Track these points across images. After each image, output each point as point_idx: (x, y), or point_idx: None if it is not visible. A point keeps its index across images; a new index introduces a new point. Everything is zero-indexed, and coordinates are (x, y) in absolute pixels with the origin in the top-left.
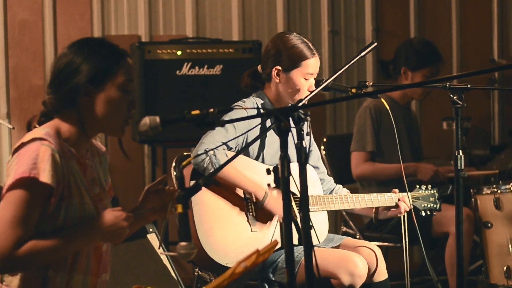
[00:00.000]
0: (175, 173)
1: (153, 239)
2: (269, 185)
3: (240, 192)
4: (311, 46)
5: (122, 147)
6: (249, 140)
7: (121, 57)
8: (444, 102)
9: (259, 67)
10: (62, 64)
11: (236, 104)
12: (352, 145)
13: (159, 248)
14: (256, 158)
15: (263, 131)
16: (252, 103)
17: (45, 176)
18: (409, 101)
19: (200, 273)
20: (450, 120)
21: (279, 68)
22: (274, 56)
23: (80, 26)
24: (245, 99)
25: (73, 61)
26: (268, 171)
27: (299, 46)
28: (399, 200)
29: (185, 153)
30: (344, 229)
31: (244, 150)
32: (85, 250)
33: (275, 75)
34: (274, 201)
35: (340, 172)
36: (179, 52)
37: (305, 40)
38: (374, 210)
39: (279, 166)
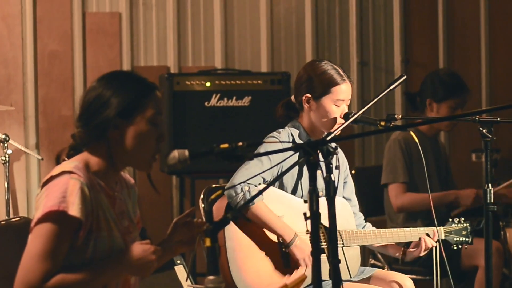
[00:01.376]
0: (203, 205)
1: (180, 271)
2: (305, 214)
3: None
4: (341, 72)
5: (151, 180)
6: (283, 171)
7: (150, 90)
8: (473, 134)
9: (292, 97)
10: (92, 97)
11: (271, 135)
12: (383, 177)
13: (186, 280)
14: (294, 189)
15: (292, 165)
16: (287, 133)
17: (74, 209)
18: (436, 133)
19: None
20: (479, 152)
21: (309, 95)
22: (304, 83)
23: (109, 57)
24: (280, 130)
25: (102, 94)
26: (306, 201)
27: (328, 72)
28: (427, 235)
29: (214, 185)
30: (372, 261)
31: (275, 182)
32: (113, 283)
33: (306, 102)
34: (300, 246)
35: (368, 204)
36: (208, 84)
37: (335, 66)
38: (401, 251)
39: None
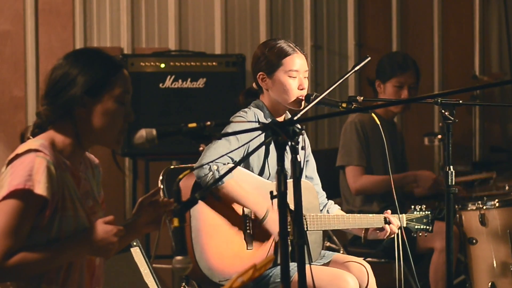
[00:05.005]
0: (162, 186)
1: (136, 253)
2: (271, 192)
3: (239, 209)
4: (292, 45)
5: (115, 158)
6: (250, 151)
7: (118, 69)
8: (426, 118)
9: (254, 83)
10: (58, 75)
11: (237, 114)
12: (338, 159)
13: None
14: (261, 169)
15: (260, 145)
16: (252, 113)
17: (40, 188)
18: (392, 116)
19: (186, 287)
20: (432, 136)
21: (263, 73)
22: (257, 62)
23: (62, 38)
24: (246, 110)
25: (69, 72)
26: (272, 194)
27: (278, 46)
28: (387, 223)
29: (172, 167)
30: (328, 244)
31: (243, 161)
32: (78, 263)
33: (261, 81)
34: (274, 221)
35: (322, 187)
36: (162, 65)
37: (287, 41)
38: (363, 230)
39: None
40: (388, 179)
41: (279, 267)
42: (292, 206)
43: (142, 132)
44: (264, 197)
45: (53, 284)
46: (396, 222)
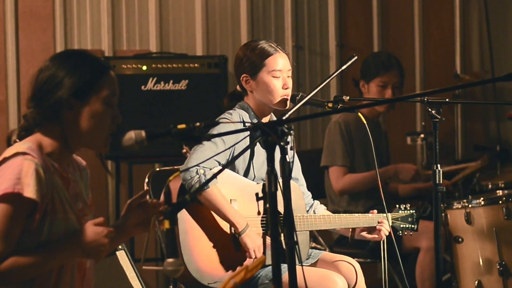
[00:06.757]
0: (148, 188)
1: (122, 256)
2: (257, 194)
3: None
4: (274, 45)
5: (103, 161)
6: (236, 153)
7: (104, 71)
8: (408, 118)
9: (238, 86)
10: (45, 77)
11: (222, 116)
12: (323, 159)
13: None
14: (246, 170)
15: (248, 146)
16: (238, 115)
17: (29, 191)
18: (377, 116)
19: None
20: (415, 135)
21: (246, 75)
22: (240, 64)
23: (43, 41)
24: (231, 111)
25: (55, 74)
26: (257, 196)
27: (259, 47)
28: (379, 223)
29: (158, 169)
30: (313, 244)
31: (230, 164)
32: (68, 267)
33: (245, 83)
34: (250, 237)
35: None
36: (144, 67)
37: (268, 42)
38: (350, 230)
39: (266, 183)
40: (369, 176)
41: (267, 268)
42: (280, 207)
43: (131, 134)
44: (250, 200)
45: None
46: (386, 226)
